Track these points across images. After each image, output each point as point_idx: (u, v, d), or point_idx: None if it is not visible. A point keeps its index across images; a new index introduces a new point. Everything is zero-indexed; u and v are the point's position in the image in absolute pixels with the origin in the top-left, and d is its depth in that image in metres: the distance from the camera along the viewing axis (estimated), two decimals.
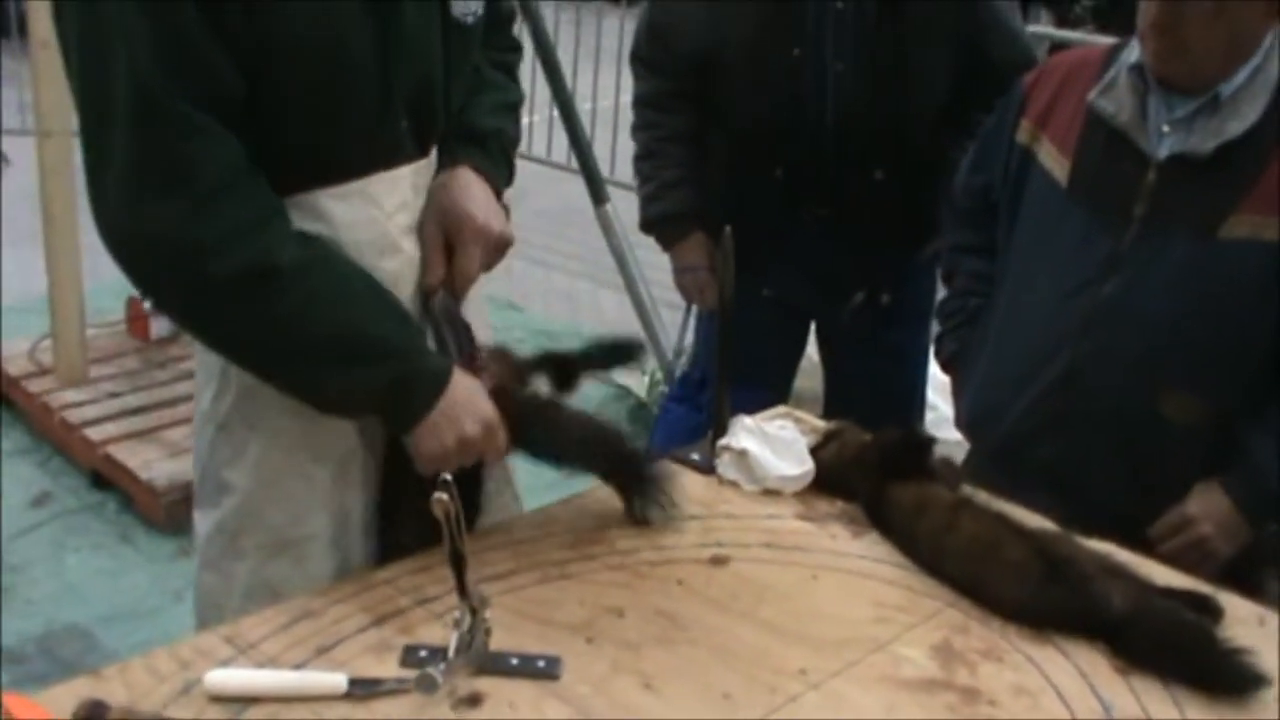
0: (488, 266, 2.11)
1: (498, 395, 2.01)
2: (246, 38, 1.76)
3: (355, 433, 2.04)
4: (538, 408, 2.12)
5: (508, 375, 2.10)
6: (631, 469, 2.12)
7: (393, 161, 1.98)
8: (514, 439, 2.04)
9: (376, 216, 1.97)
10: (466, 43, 2.07)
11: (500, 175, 2.16)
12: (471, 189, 2.07)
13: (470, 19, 2.04)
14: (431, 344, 2.01)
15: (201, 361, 2.07)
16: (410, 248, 2.03)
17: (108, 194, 1.76)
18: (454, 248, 2.05)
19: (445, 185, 2.07)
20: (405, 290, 2.02)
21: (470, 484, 2.04)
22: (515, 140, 2.26)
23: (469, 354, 2.03)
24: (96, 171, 1.77)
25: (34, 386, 4.97)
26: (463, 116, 2.13)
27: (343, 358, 1.86)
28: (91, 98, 1.75)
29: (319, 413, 1.95)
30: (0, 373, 5.11)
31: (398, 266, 2.01)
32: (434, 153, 2.08)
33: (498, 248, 2.10)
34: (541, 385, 2.18)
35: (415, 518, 1.94)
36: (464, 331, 2.05)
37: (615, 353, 2.30)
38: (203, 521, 2.11)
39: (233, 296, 1.79)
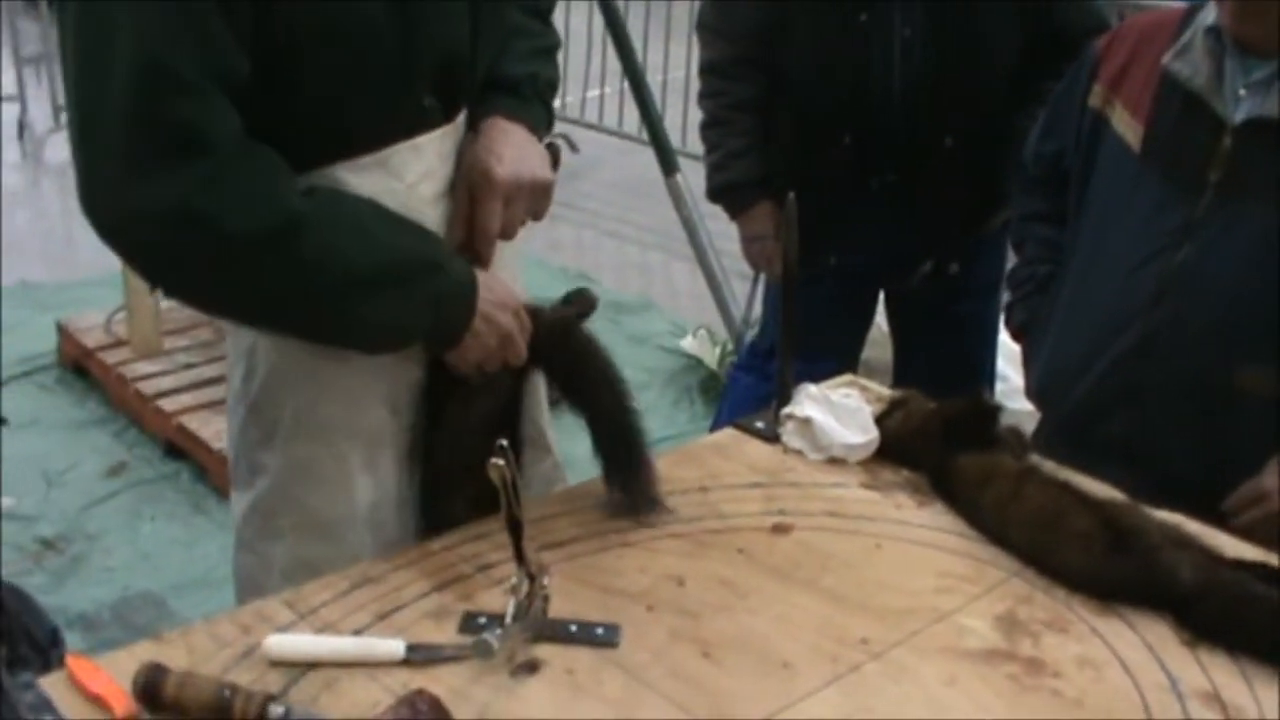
0: (534, 215, 2.08)
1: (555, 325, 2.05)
2: (259, 6, 1.73)
3: (386, 410, 2.02)
4: (576, 338, 2.12)
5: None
6: (626, 455, 2.07)
7: (415, 131, 1.94)
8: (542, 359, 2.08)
9: (397, 189, 1.93)
10: (496, 11, 2.04)
11: (536, 117, 2.10)
12: (498, 141, 2.02)
13: None
14: None
15: (231, 341, 2.07)
16: (436, 216, 2.00)
17: (106, 173, 1.71)
18: (474, 206, 2.01)
19: (473, 141, 2.03)
20: None
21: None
22: (552, 83, 2.18)
23: None
24: (90, 151, 1.71)
25: (109, 358, 5.02)
26: (494, 66, 2.08)
27: (376, 286, 1.83)
28: (89, 74, 1.70)
29: (370, 354, 1.94)
30: (77, 345, 5.17)
31: None
32: (462, 115, 2.04)
33: (534, 193, 2.04)
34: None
35: (463, 487, 1.97)
36: None
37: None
38: (238, 502, 2.13)
39: (259, 253, 1.75)
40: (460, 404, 2.02)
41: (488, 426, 1.97)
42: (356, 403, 1.99)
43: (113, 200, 1.71)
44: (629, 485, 2.02)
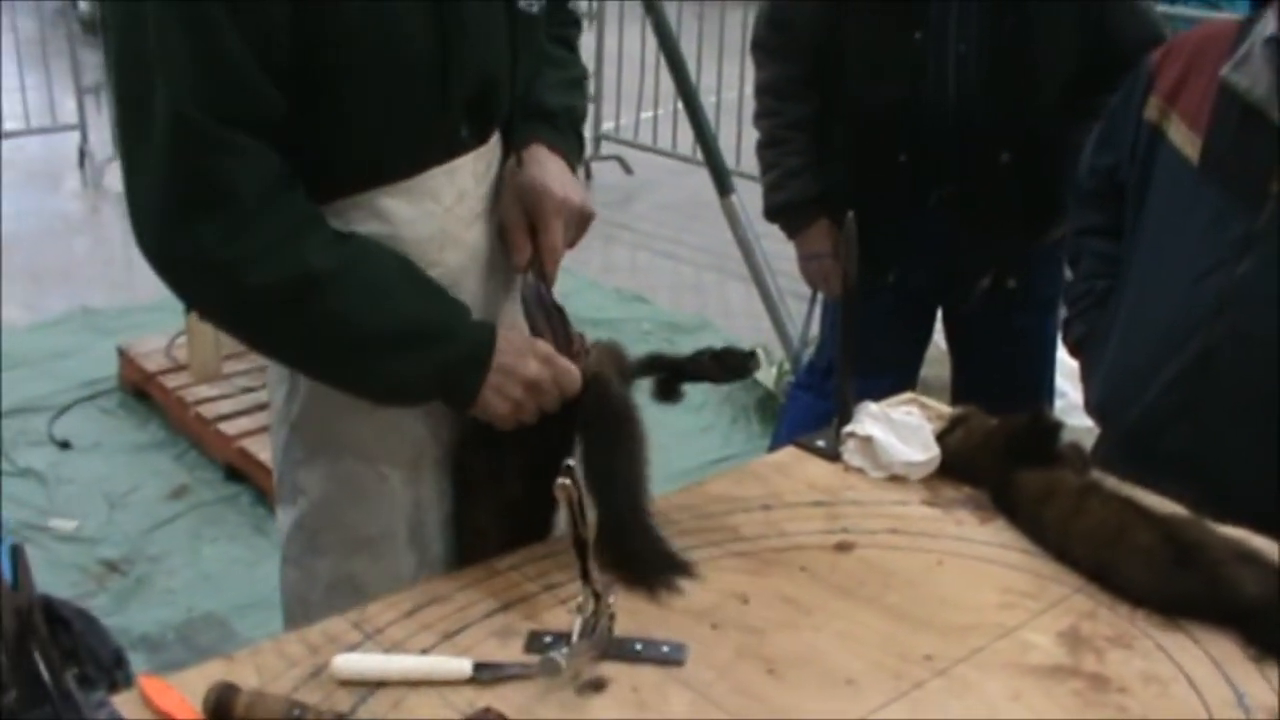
0: (571, 242, 2.09)
1: (590, 381, 2.01)
2: (297, 35, 1.75)
3: (426, 430, 2.05)
4: (617, 417, 2.08)
5: (611, 369, 2.08)
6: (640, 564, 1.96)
7: (450, 155, 1.97)
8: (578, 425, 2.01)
9: (434, 211, 1.96)
10: (532, 33, 2.07)
11: (571, 150, 2.14)
12: (547, 165, 2.06)
13: (535, 7, 2.03)
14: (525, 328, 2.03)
15: (273, 363, 2.10)
16: (473, 239, 2.03)
17: (148, 214, 1.78)
18: (536, 225, 2.03)
19: (520, 165, 2.06)
20: (470, 284, 2.03)
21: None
22: (582, 115, 2.25)
23: (566, 338, 2.03)
24: (136, 192, 1.78)
25: (170, 382, 5.07)
26: (528, 95, 2.11)
27: (387, 349, 1.87)
28: (131, 120, 1.77)
29: (382, 407, 1.97)
30: (138, 369, 5.22)
31: (461, 259, 2.02)
32: (495, 137, 2.06)
33: (579, 221, 2.08)
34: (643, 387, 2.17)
35: (491, 500, 2.01)
36: (557, 315, 2.04)
37: (728, 363, 2.26)
38: (284, 518, 2.17)
39: (273, 306, 1.81)
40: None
41: (516, 439, 1.99)
42: (396, 424, 2.02)
43: (154, 241, 1.79)
44: (639, 571, 1.94)
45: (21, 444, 5.03)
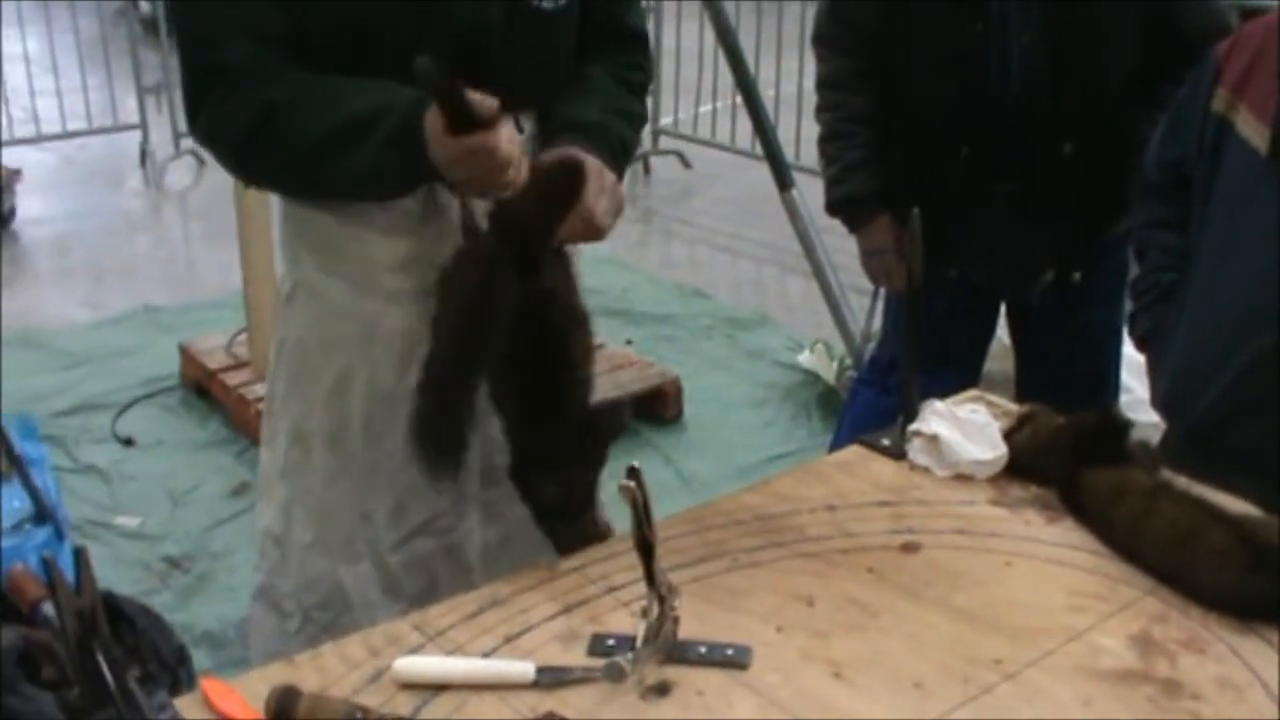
0: (606, 224, 2.11)
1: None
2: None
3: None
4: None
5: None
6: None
7: None
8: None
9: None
10: (544, 29, 2.14)
11: (602, 159, 2.13)
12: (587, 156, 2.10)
13: (548, 5, 2.12)
14: None
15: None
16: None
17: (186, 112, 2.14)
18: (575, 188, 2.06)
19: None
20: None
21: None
22: (624, 142, 2.25)
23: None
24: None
25: (231, 379, 5.08)
26: (567, 112, 2.18)
27: (345, 143, 1.99)
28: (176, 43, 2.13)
29: (377, 200, 2.12)
30: (199, 366, 5.24)
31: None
32: None
33: (616, 197, 2.12)
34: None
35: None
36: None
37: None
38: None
39: (254, 144, 2.05)
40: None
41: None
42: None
43: (190, 128, 2.16)
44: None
45: (85, 441, 5.06)
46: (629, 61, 2.34)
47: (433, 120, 1.90)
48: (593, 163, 2.07)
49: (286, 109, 2.02)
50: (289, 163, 2.08)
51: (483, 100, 1.86)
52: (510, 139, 1.92)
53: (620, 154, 2.21)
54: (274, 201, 2.30)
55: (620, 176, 2.19)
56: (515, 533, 2.30)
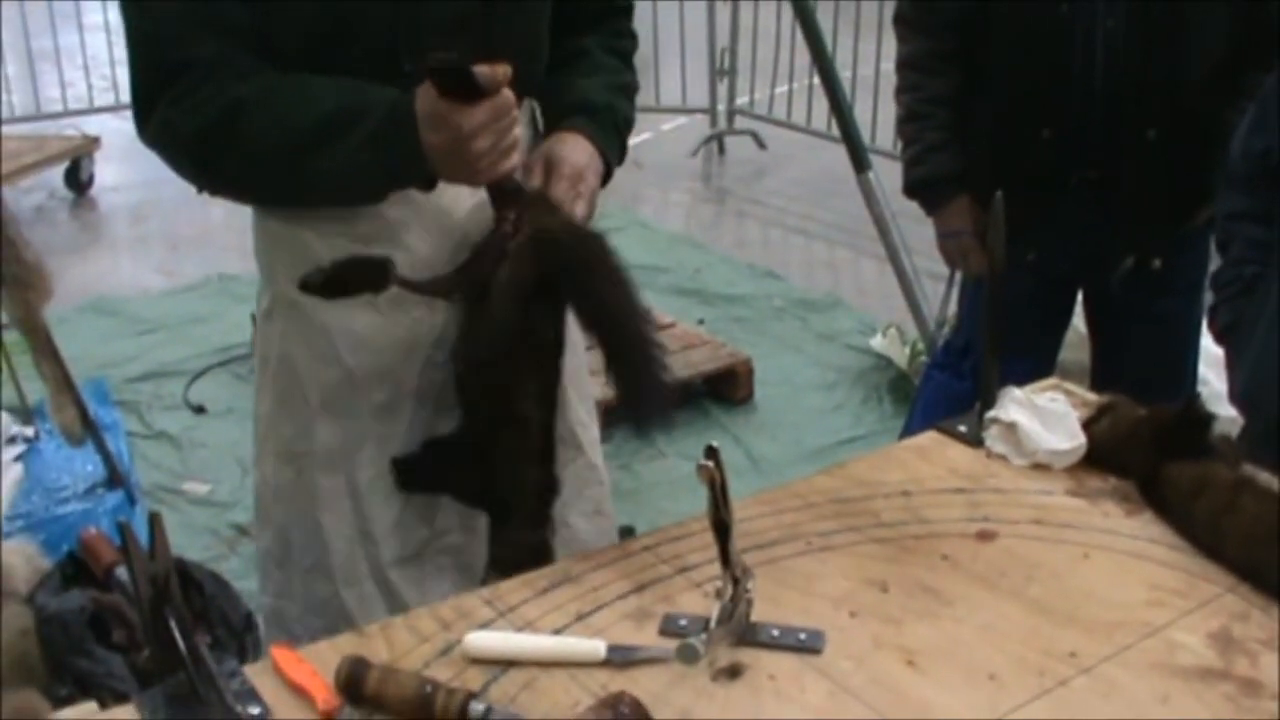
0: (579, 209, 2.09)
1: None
2: None
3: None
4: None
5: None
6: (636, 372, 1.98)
7: None
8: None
9: None
10: (522, 15, 2.12)
11: (611, 148, 2.17)
12: (579, 144, 2.10)
13: None
14: None
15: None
16: (421, 197, 2.05)
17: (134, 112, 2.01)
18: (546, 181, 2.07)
19: (553, 140, 2.11)
20: (409, 238, 2.08)
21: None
22: (628, 120, 2.27)
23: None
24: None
25: None
26: (573, 92, 2.18)
27: (319, 142, 1.92)
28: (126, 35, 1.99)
29: (350, 205, 2.04)
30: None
31: (403, 213, 2.06)
32: None
33: (587, 193, 2.09)
34: None
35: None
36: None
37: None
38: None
39: (215, 140, 1.94)
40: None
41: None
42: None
43: (137, 126, 2.01)
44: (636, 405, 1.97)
45: (157, 408, 5.11)
46: (616, 29, 2.34)
47: (432, 103, 1.84)
48: (572, 165, 2.06)
49: (255, 106, 1.93)
50: (256, 163, 1.97)
51: (490, 70, 1.81)
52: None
53: (624, 131, 2.24)
54: (246, 214, 2.22)
55: (624, 153, 2.23)
56: None
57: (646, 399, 1.95)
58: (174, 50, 1.94)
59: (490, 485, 2.09)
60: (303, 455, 2.19)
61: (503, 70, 1.81)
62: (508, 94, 1.84)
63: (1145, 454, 2.07)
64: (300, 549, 2.23)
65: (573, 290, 1.98)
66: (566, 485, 2.19)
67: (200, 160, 2.00)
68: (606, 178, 2.16)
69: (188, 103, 1.93)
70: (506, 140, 1.88)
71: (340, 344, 2.12)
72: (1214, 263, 3.00)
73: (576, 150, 2.10)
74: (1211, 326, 2.87)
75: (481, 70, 1.79)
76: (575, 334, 2.20)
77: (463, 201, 2.07)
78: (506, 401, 2.01)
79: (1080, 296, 3.62)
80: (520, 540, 2.09)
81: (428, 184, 1.96)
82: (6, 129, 7.67)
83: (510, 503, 2.09)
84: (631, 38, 2.38)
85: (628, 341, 1.94)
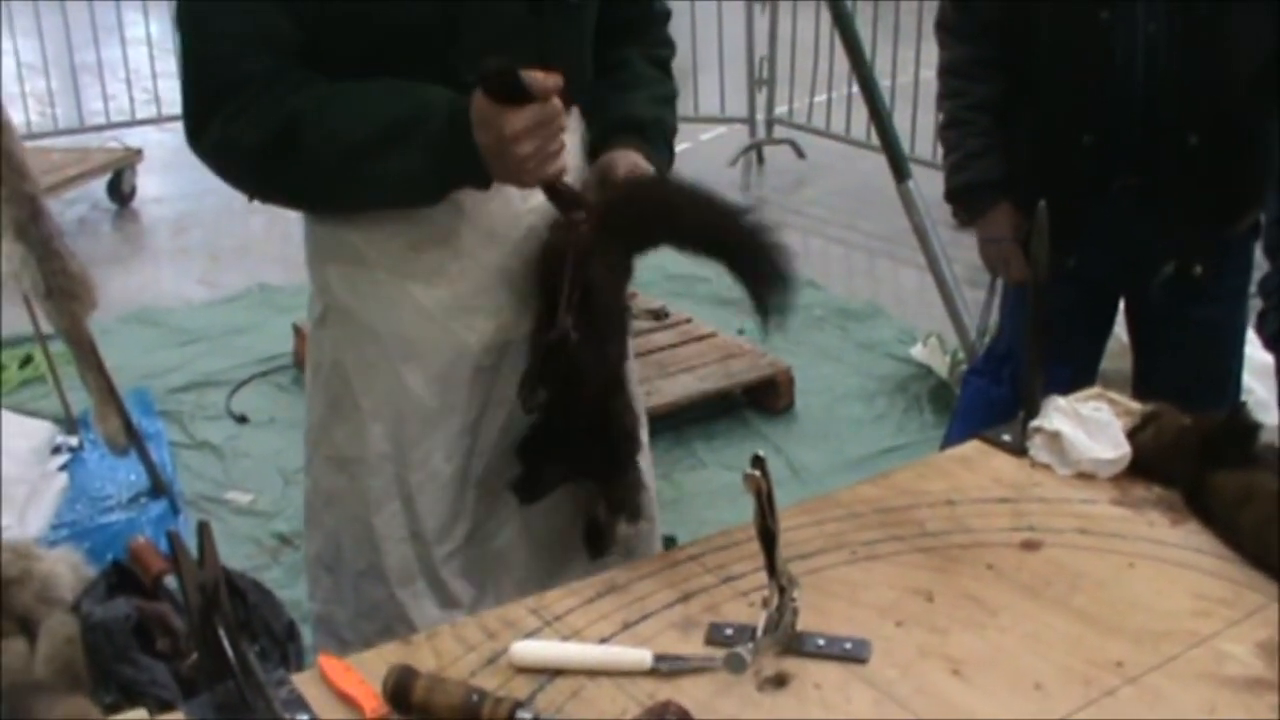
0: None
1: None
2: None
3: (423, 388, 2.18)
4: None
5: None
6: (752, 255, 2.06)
7: None
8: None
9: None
10: (570, 24, 2.14)
11: (661, 160, 2.22)
12: (630, 157, 2.14)
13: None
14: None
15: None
16: (475, 207, 2.09)
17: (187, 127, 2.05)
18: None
19: (606, 158, 2.16)
20: (466, 244, 2.12)
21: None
22: (673, 129, 2.32)
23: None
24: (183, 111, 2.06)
25: None
26: (620, 108, 2.22)
27: (378, 150, 1.95)
28: (178, 53, 2.05)
29: (416, 209, 2.06)
30: None
31: (453, 220, 2.10)
32: None
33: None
34: None
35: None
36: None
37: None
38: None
39: (274, 154, 1.97)
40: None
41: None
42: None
43: (191, 142, 2.05)
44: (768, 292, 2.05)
45: (200, 418, 5.13)
46: (657, 38, 2.38)
47: (481, 105, 1.87)
48: (627, 166, 2.13)
49: (314, 116, 1.97)
50: (316, 172, 2.01)
51: (541, 77, 1.84)
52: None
53: (671, 143, 2.29)
54: (298, 222, 2.26)
55: (672, 161, 2.27)
56: (552, 537, 2.32)
57: (775, 285, 2.04)
58: (228, 68, 1.97)
59: (592, 450, 2.17)
60: (355, 461, 2.22)
61: (554, 79, 1.84)
62: (555, 101, 1.86)
63: (1190, 463, 2.06)
64: (352, 553, 2.26)
65: (667, 225, 2.06)
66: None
67: (261, 172, 2.04)
68: None
69: (245, 118, 1.96)
70: (552, 145, 1.91)
71: (391, 349, 2.15)
72: (1259, 269, 2.97)
73: (629, 159, 2.14)
74: (1261, 333, 2.85)
75: (531, 75, 1.82)
76: None
77: (513, 205, 2.10)
78: (598, 373, 2.09)
79: (1122, 304, 3.60)
80: (631, 481, 2.22)
81: (484, 183, 1.97)
82: (50, 141, 7.74)
83: (621, 449, 2.20)
84: (669, 45, 2.41)
85: (741, 240, 2.03)
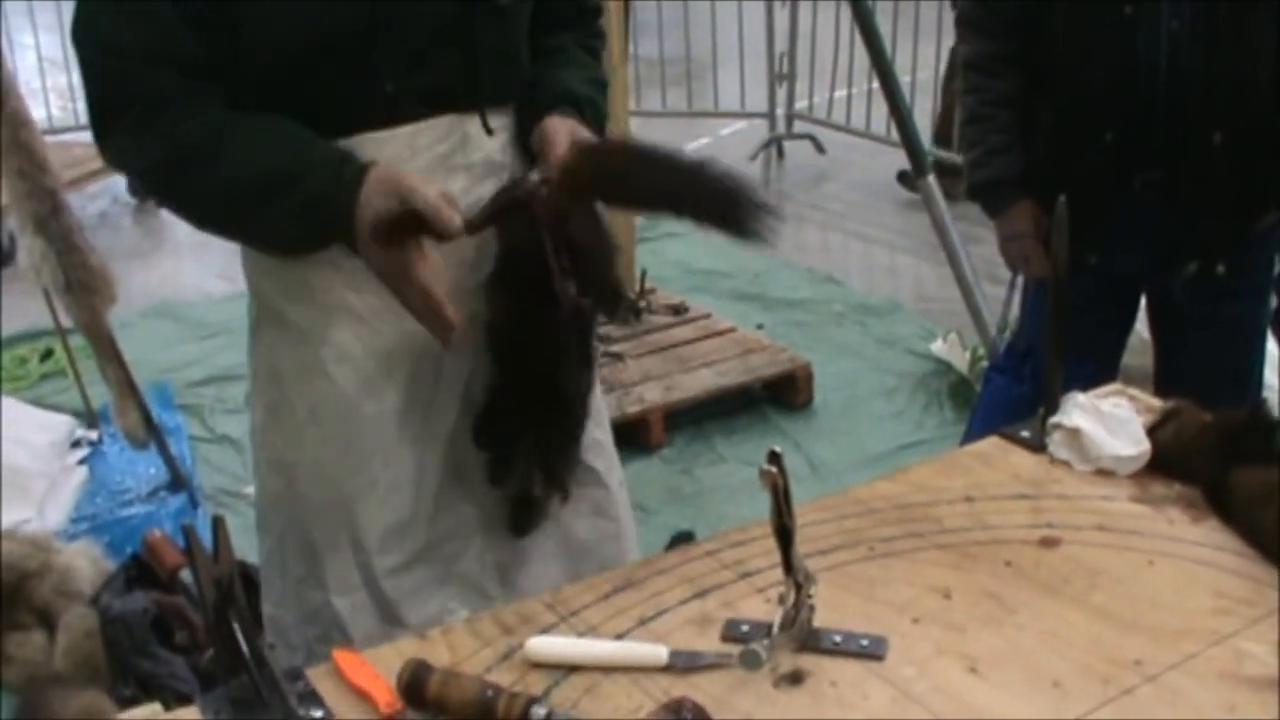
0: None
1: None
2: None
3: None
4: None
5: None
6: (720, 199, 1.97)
7: (384, 124, 2.02)
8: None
9: None
10: (502, 24, 2.10)
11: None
12: (568, 123, 2.09)
13: (505, 1, 2.08)
14: None
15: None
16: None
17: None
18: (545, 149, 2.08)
19: (543, 124, 2.11)
20: None
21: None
22: (605, 115, 2.27)
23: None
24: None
25: None
26: (557, 85, 2.18)
27: (257, 200, 1.94)
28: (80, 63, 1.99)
29: (289, 256, 2.06)
30: None
31: None
32: (452, 118, 2.08)
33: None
34: None
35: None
36: None
37: None
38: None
39: (159, 182, 2.02)
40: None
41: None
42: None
43: (98, 148, 2.03)
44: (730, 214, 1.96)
45: (219, 412, 5.15)
46: (591, 30, 2.36)
47: (373, 217, 1.89)
48: (568, 129, 2.08)
49: (198, 151, 1.93)
50: (200, 207, 2.01)
51: (449, 216, 1.87)
52: (440, 194, 1.91)
53: (604, 126, 2.26)
54: None
55: None
56: (524, 554, 2.29)
57: (732, 201, 1.93)
58: (119, 84, 1.95)
59: (545, 419, 2.14)
60: (293, 465, 2.18)
61: (454, 222, 1.88)
62: (438, 267, 1.92)
63: (1211, 460, 2.05)
64: (294, 558, 2.22)
65: (630, 186, 2.01)
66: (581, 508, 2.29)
67: (151, 191, 2.09)
68: None
69: (137, 139, 1.95)
70: (422, 315, 1.96)
71: (324, 355, 2.12)
72: None
73: (567, 124, 2.10)
74: (1277, 332, 2.83)
75: (440, 211, 1.87)
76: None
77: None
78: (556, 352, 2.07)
79: (1144, 301, 3.59)
80: (570, 457, 2.20)
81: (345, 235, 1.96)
82: (72, 136, 7.75)
83: (565, 421, 2.17)
84: (601, 37, 2.39)
85: (686, 181, 1.95)
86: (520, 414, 2.12)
